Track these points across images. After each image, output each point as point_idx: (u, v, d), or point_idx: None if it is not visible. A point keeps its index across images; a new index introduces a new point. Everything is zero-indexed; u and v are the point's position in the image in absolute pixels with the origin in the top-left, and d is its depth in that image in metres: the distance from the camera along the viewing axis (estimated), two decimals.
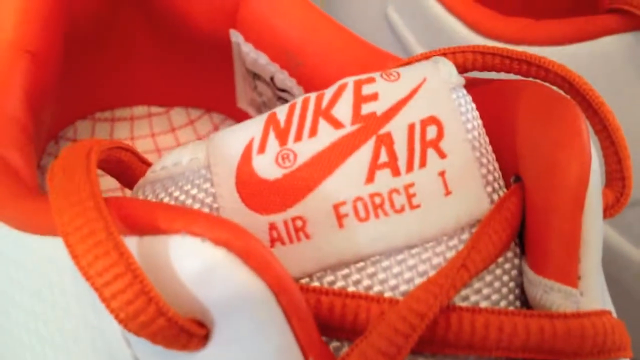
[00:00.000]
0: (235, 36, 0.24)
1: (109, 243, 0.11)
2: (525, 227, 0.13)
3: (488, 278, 0.13)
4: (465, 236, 0.13)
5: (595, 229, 0.13)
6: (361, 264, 0.12)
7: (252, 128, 0.13)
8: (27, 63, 0.21)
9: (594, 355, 0.12)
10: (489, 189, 0.13)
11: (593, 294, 0.13)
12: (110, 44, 0.26)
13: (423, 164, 0.13)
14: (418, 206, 0.12)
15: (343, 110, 0.13)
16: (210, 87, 0.28)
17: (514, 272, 0.13)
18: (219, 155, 0.13)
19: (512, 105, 0.14)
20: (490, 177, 0.13)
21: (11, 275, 0.15)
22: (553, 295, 0.12)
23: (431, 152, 0.13)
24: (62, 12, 0.22)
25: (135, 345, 0.12)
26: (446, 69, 0.14)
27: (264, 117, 0.13)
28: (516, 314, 0.12)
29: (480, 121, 0.14)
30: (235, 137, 0.13)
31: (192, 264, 0.11)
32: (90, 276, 0.11)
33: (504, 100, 0.15)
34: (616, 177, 0.14)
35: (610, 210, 0.14)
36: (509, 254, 0.13)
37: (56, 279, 0.14)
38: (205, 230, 0.11)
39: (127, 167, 0.15)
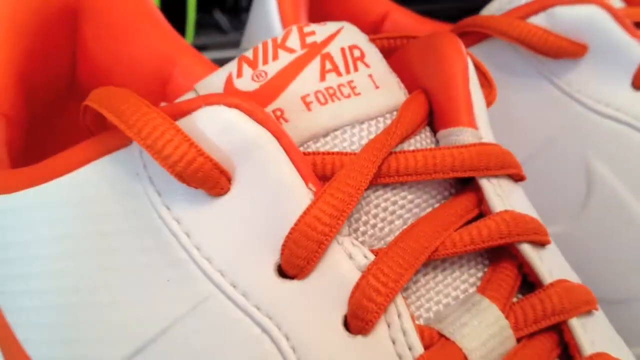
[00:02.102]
0: None
1: (157, 116, 0.15)
2: (433, 116, 0.19)
3: (415, 142, 0.18)
4: (394, 117, 0.18)
5: (479, 99, 0.18)
6: (329, 137, 0.17)
7: (228, 67, 0.18)
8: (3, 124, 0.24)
9: (499, 169, 0.17)
10: (403, 91, 0.18)
11: (490, 140, 0.18)
12: (59, 131, 0.30)
13: (356, 69, 0.18)
14: (359, 94, 0.17)
15: (293, 42, 0.18)
16: None
17: (432, 144, 0.18)
18: (206, 88, 0.18)
19: (405, 50, 0.20)
20: (402, 86, 0.19)
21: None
22: (463, 136, 0.17)
23: (359, 63, 0.18)
24: (27, 91, 0.26)
25: (175, 205, 0.15)
26: (355, 28, 0.19)
27: (235, 60, 0.18)
28: (443, 148, 0.17)
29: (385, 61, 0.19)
30: (217, 76, 0.18)
31: (214, 123, 0.15)
32: (143, 137, 0.15)
33: (400, 53, 0.20)
34: (485, 83, 0.20)
35: (487, 100, 0.19)
36: (428, 132, 0.18)
37: (91, 193, 0.17)
38: (219, 99, 0.15)
39: None
